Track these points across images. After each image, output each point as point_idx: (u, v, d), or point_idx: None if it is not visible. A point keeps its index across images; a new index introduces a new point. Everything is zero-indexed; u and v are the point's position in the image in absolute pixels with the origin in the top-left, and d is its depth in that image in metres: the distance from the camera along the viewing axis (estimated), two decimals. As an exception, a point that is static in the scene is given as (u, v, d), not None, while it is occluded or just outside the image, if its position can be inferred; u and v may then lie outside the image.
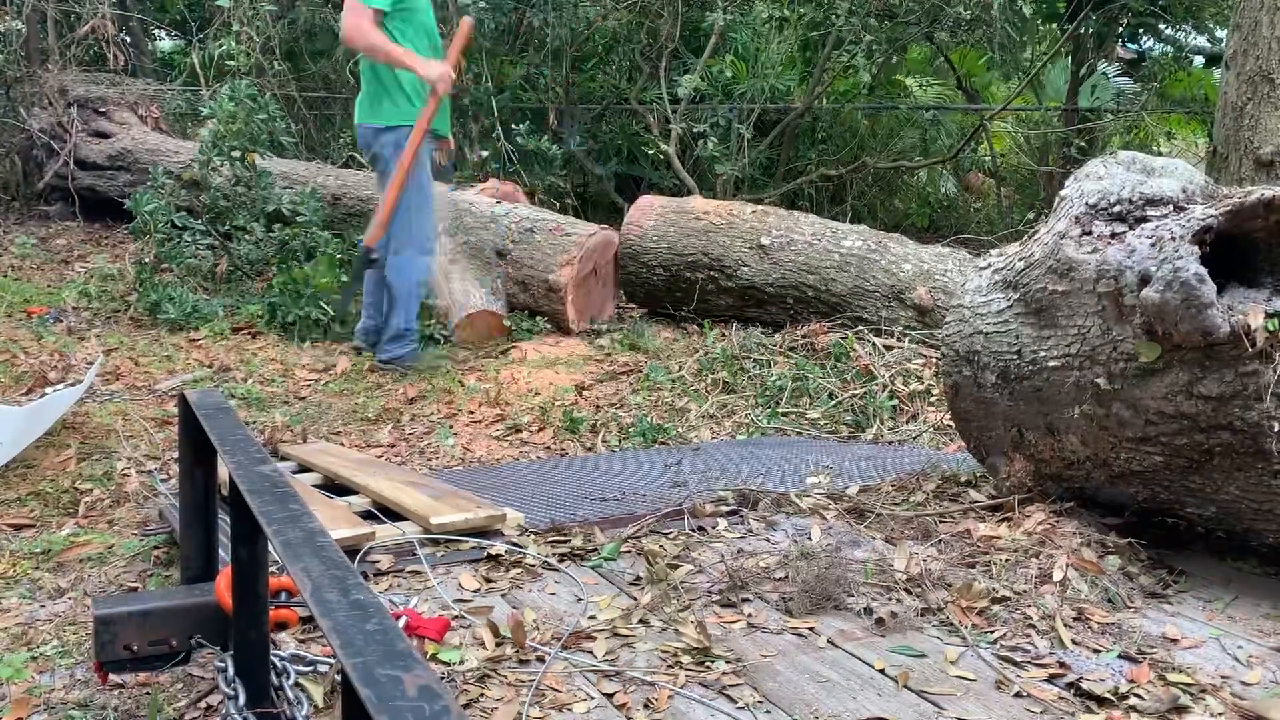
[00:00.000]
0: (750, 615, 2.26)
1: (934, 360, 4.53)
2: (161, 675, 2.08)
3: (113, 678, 1.99)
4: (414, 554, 2.54)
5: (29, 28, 8.31)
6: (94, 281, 6.00)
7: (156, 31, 10.96)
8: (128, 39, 9.99)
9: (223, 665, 1.74)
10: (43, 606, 2.50)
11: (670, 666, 2.02)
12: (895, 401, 4.34)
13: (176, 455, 2.29)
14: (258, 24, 7.45)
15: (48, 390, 4.14)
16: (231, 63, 6.93)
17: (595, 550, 2.62)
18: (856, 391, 4.45)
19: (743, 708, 1.87)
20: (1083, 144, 8.86)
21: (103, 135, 8.19)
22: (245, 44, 7.17)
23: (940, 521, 2.70)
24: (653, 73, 8.16)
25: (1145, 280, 2.21)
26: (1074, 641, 2.12)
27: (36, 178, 8.28)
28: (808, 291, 5.32)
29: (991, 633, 2.17)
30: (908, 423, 4.23)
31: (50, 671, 2.17)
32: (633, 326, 5.62)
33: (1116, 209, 2.40)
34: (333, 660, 1.90)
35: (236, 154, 6.00)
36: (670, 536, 2.71)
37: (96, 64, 9.05)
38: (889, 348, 4.78)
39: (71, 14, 8.78)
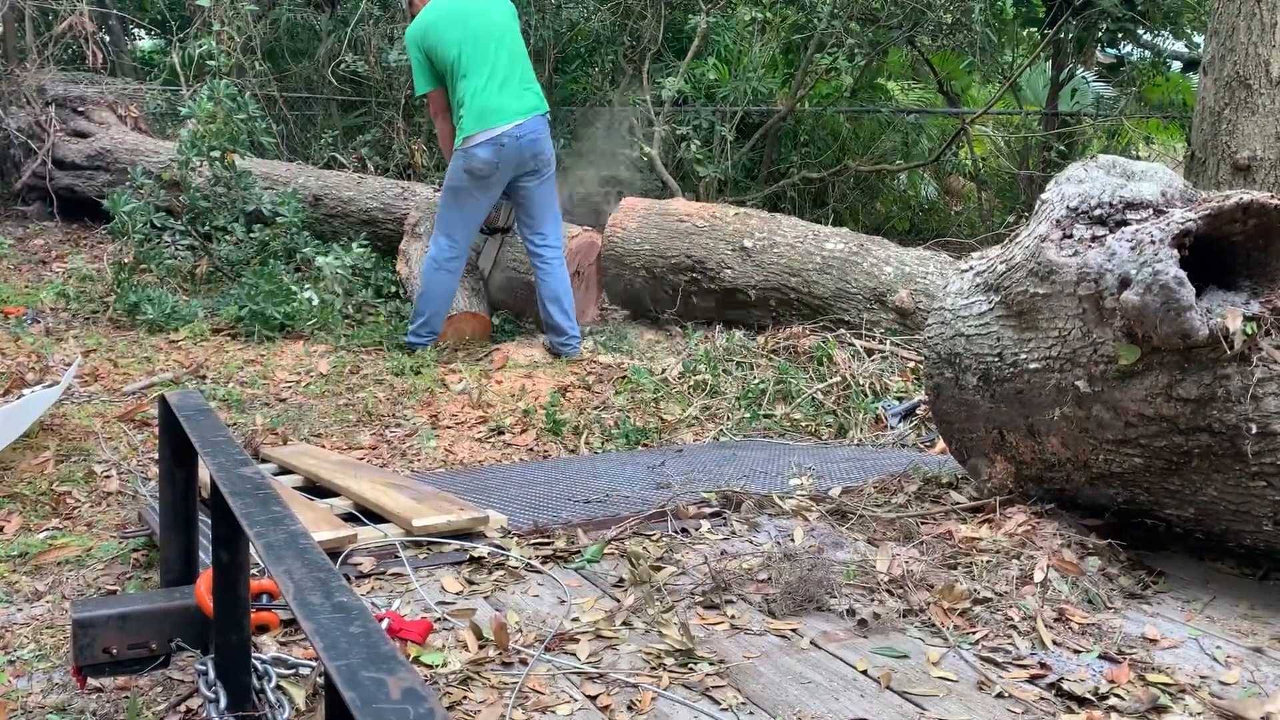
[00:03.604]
0: (733, 617, 2.26)
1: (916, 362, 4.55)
2: (141, 679, 2.06)
3: (91, 681, 1.98)
4: (396, 556, 2.53)
5: (6, 26, 8.23)
6: (72, 282, 5.95)
7: (136, 30, 10.88)
8: (107, 38, 9.91)
9: (203, 668, 1.73)
10: (20, 610, 2.48)
11: (653, 668, 2.02)
12: (876, 404, 4.36)
13: (156, 457, 2.27)
14: (238, 23, 7.40)
15: (25, 392, 4.10)
16: (212, 62, 6.86)
17: (578, 552, 2.62)
18: (839, 394, 4.47)
19: (726, 709, 1.87)
20: (1063, 148, 8.90)
21: (81, 135, 8.12)
22: (225, 43, 7.12)
23: (922, 523, 2.71)
24: (635, 75, 8.16)
25: (1125, 283, 2.22)
26: (1055, 642, 2.13)
27: (14, 178, 8.20)
28: (790, 294, 5.33)
29: (973, 634, 2.18)
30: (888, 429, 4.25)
31: (27, 675, 2.15)
32: (615, 328, 5.62)
33: (1097, 212, 2.41)
34: (315, 663, 1.89)
35: (216, 154, 5.96)
36: (653, 538, 2.71)
37: (75, 63, 8.98)
38: (870, 351, 4.80)
39: (49, 12, 8.70)
